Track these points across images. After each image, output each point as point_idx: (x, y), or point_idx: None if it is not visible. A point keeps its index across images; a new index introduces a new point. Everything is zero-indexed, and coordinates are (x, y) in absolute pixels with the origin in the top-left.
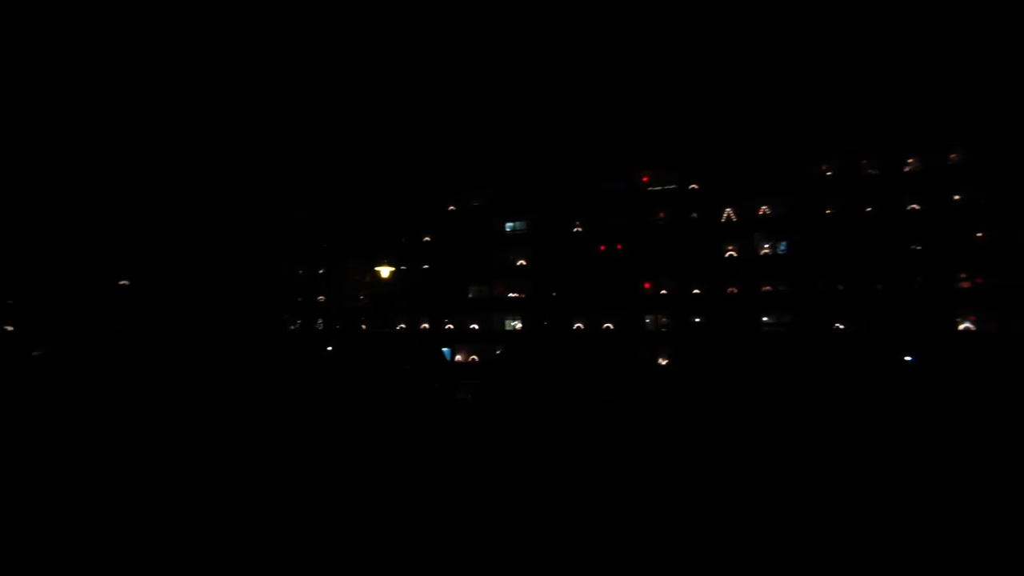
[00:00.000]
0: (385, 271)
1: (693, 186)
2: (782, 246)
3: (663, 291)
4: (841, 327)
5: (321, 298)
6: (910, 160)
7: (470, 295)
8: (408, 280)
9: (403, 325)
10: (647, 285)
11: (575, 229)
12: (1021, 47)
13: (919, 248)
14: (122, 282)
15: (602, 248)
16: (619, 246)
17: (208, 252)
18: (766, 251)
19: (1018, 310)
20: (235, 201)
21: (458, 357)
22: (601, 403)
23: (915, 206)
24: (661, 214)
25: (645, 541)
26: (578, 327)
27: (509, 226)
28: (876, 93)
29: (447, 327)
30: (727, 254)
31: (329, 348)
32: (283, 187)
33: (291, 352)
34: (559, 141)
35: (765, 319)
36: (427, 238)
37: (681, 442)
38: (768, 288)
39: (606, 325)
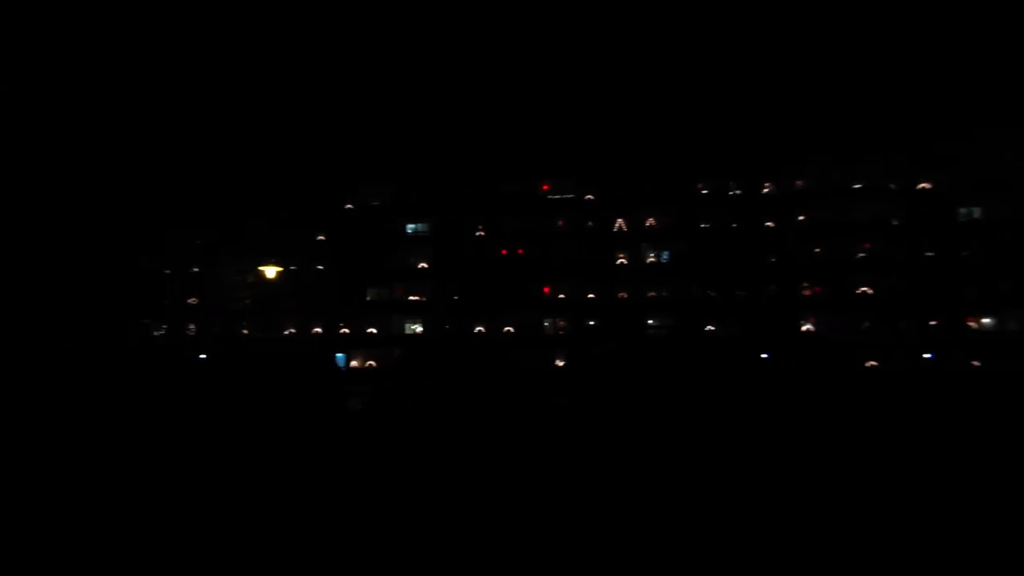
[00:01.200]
0: (271, 271)
1: (589, 196)
2: (665, 255)
3: (561, 295)
4: (712, 329)
5: (193, 300)
6: (766, 184)
7: (368, 298)
8: (299, 281)
9: (292, 330)
10: (546, 289)
11: (477, 233)
12: (846, 100)
13: (773, 260)
14: None
15: (504, 252)
16: (520, 251)
17: (43, 248)
18: (652, 259)
19: (846, 315)
20: (80, 191)
21: (354, 363)
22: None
23: (770, 224)
24: (560, 221)
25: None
26: (479, 330)
27: (410, 227)
28: (737, 126)
29: (342, 331)
30: (618, 261)
31: (203, 356)
32: (144, 175)
33: (153, 360)
34: (463, 145)
35: (651, 322)
36: (321, 237)
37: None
38: (653, 294)
39: (507, 328)
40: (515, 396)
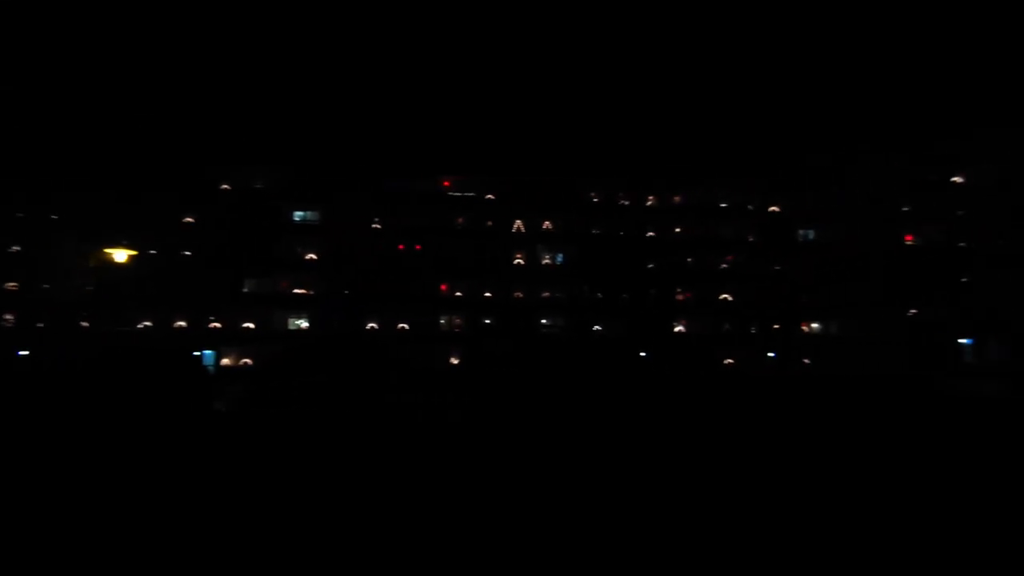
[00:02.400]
0: (121, 255)
1: (489, 196)
2: (559, 258)
3: (458, 293)
4: (599, 328)
5: (12, 285)
6: (650, 198)
7: (245, 289)
8: (159, 268)
9: (148, 323)
10: (443, 287)
11: (373, 225)
12: (724, 127)
13: (652, 267)
14: None
15: (401, 247)
16: (418, 247)
17: None
18: (547, 261)
19: (710, 318)
20: None
21: (225, 361)
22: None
23: (652, 234)
24: (460, 219)
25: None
26: (372, 326)
27: (298, 215)
28: (628, 142)
29: (213, 326)
30: (515, 262)
31: (24, 352)
32: None
33: None
34: (362, 130)
35: (544, 321)
36: (189, 219)
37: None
38: (547, 294)
39: (401, 325)
40: (407, 394)
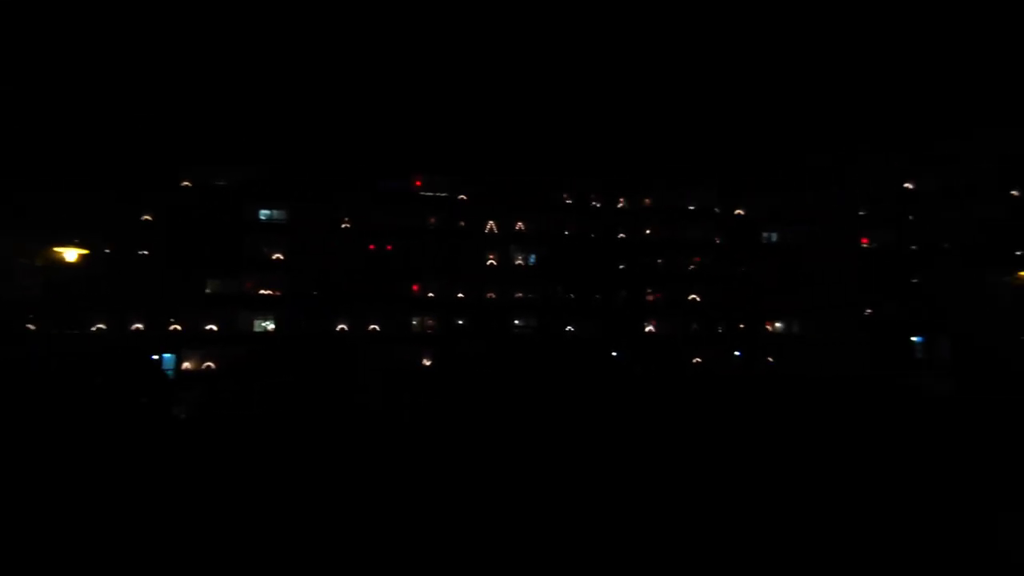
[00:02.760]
0: (71, 254)
1: (462, 196)
2: (532, 259)
3: (430, 294)
4: (571, 329)
5: None
6: (621, 200)
7: (208, 290)
8: (114, 267)
9: (102, 325)
10: (415, 287)
11: (343, 225)
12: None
13: (622, 268)
14: None
15: (371, 247)
16: (389, 247)
17: None
18: (520, 262)
19: (679, 318)
20: None
21: (187, 364)
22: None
23: (622, 236)
24: (432, 219)
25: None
26: (342, 328)
27: (264, 214)
28: (600, 142)
29: (173, 328)
30: (488, 262)
31: None
32: None
33: None
34: (332, 128)
35: (517, 322)
36: (147, 216)
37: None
38: (520, 295)
39: (372, 326)
40: (378, 396)
